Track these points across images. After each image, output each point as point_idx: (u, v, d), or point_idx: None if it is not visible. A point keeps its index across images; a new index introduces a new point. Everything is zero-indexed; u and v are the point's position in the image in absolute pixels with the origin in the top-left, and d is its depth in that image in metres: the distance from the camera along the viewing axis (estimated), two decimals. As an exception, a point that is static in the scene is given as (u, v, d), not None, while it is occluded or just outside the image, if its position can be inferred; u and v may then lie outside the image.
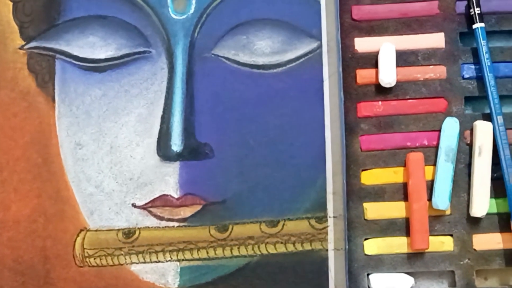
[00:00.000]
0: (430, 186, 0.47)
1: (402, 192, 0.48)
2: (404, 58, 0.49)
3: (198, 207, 0.47)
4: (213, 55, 0.49)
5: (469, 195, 0.47)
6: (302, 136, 0.48)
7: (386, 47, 0.48)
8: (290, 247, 0.47)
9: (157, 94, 0.48)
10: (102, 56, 0.49)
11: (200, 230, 0.47)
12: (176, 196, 0.47)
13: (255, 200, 0.47)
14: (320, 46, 0.49)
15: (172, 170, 0.48)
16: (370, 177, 0.48)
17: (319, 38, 0.49)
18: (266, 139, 0.48)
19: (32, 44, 0.49)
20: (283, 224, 0.47)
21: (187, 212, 0.47)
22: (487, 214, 0.47)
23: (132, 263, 0.47)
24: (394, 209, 0.48)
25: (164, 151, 0.48)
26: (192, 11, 0.49)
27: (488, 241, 0.47)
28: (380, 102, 0.49)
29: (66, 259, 0.47)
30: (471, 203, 0.47)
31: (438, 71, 0.49)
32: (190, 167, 0.48)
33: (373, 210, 0.48)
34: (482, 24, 0.48)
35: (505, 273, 0.48)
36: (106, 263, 0.47)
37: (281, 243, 0.47)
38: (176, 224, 0.47)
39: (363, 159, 0.48)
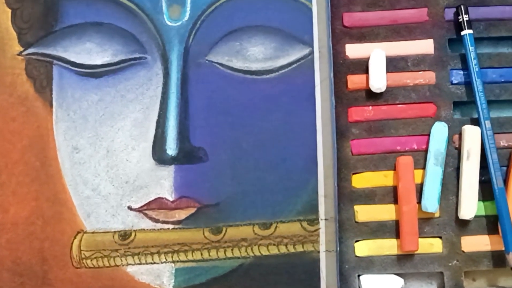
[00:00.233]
0: (420, 189, 0.47)
1: (392, 195, 0.48)
2: (394, 64, 0.49)
3: (193, 210, 0.47)
4: (207, 61, 0.49)
5: (458, 198, 0.47)
6: (294, 140, 0.48)
7: (377, 53, 0.48)
8: (283, 249, 0.47)
9: (153, 99, 0.48)
10: (99, 62, 0.49)
11: (194, 232, 0.47)
12: (171, 199, 0.47)
13: (248, 202, 0.47)
14: (312, 52, 0.49)
15: (167, 174, 0.48)
16: (361, 181, 0.48)
17: (311, 44, 0.49)
18: (259, 143, 0.48)
19: (30, 50, 0.49)
20: (276, 226, 0.47)
21: (181, 214, 0.47)
22: (475, 216, 0.47)
23: (128, 264, 0.47)
24: (384, 212, 0.48)
25: (159, 155, 0.48)
26: (186, 18, 0.49)
27: (476, 243, 0.47)
28: (370, 107, 0.49)
29: (63, 260, 0.47)
30: (459, 206, 0.47)
31: (427, 77, 0.49)
32: (184, 171, 0.48)
33: (364, 213, 0.48)
34: (471, 31, 0.48)
35: (492, 274, 0.48)
36: (102, 265, 0.47)
37: (274, 245, 0.47)
38: (171, 226, 0.47)
39: (354, 163, 0.48)
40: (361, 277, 0.47)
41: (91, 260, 0.47)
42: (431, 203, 0.47)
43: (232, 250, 0.47)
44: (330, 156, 0.48)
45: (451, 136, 0.48)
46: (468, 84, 0.48)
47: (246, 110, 0.48)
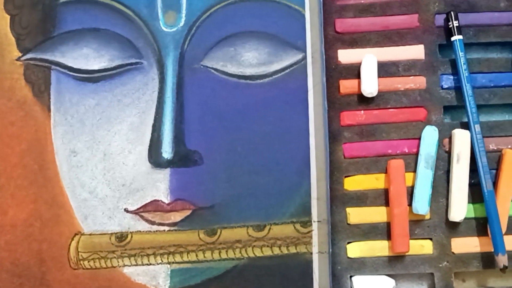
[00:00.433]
0: (410, 192, 0.47)
1: (384, 197, 0.48)
2: (385, 69, 0.49)
3: (188, 212, 0.47)
4: (202, 66, 0.49)
5: (448, 200, 0.47)
6: (287, 144, 0.48)
7: (368, 59, 0.48)
8: (276, 250, 0.47)
9: (149, 104, 0.48)
10: (96, 67, 0.49)
11: (189, 234, 0.47)
12: (166, 202, 0.48)
13: (243, 205, 0.48)
14: (304, 58, 0.49)
15: (163, 177, 0.48)
16: (353, 183, 0.48)
17: (304, 50, 0.49)
18: (253, 146, 0.48)
19: (29, 55, 0.49)
20: (269, 228, 0.47)
21: (177, 216, 0.47)
22: (465, 218, 0.47)
23: (124, 265, 0.47)
24: (375, 214, 0.48)
25: (155, 158, 0.48)
26: (182, 24, 0.49)
27: (466, 244, 0.47)
28: (362, 111, 0.49)
29: (61, 261, 0.47)
30: (449, 208, 0.47)
31: (418, 82, 0.49)
32: (180, 174, 0.48)
33: (356, 215, 0.48)
34: (460, 37, 0.48)
35: (482, 275, 0.48)
36: (99, 266, 0.47)
37: (268, 246, 0.47)
38: (166, 228, 0.47)
39: (346, 166, 0.48)
40: (353, 278, 0.47)
41: (89, 261, 0.47)
42: (421, 205, 0.47)
43: (226, 251, 0.47)
44: (323, 159, 0.48)
45: (441, 139, 0.48)
46: (458, 88, 0.49)
47: (240, 114, 0.48)
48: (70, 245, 0.47)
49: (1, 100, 0.49)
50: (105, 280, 0.47)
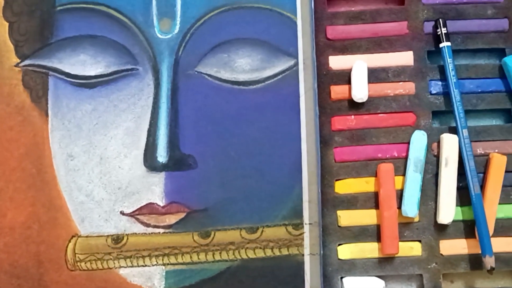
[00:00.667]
0: (400, 195, 0.47)
1: (374, 200, 0.48)
2: (375, 75, 0.49)
3: (182, 215, 0.47)
4: (196, 72, 0.49)
5: (436, 203, 0.47)
6: (279, 148, 0.48)
7: (359, 65, 0.48)
8: (269, 252, 0.47)
9: (144, 109, 0.48)
10: (92, 73, 0.49)
11: (184, 236, 0.47)
12: (161, 205, 0.48)
13: (236, 208, 0.48)
14: (296, 64, 0.49)
15: (158, 180, 0.48)
16: (344, 187, 0.48)
17: (295, 56, 0.49)
18: (246, 150, 0.48)
19: (27, 62, 0.49)
20: (262, 231, 0.47)
21: (172, 219, 0.47)
22: (453, 221, 0.47)
23: (120, 267, 0.47)
24: (366, 217, 0.48)
25: (150, 162, 0.48)
26: (176, 31, 0.49)
27: (454, 246, 0.47)
28: (353, 116, 0.49)
29: (58, 263, 0.47)
30: (438, 211, 0.47)
31: (407, 87, 0.49)
32: (174, 177, 0.48)
33: (346, 218, 0.48)
34: (449, 43, 0.48)
35: (470, 277, 0.48)
36: (96, 267, 0.47)
37: (260, 248, 0.47)
38: (161, 230, 0.47)
39: (337, 170, 0.48)
40: (343, 279, 0.47)
41: (85, 263, 0.47)
42: (411, 208, 0.47)
43: (220, 253, 0.47)
44: (314, 163, 0.48)
45: (430, 144, 0.48)
46: (446, 94, 0.49)
47: (233, 119, 0.48)
48: (67, 247, 0.47)
49: (0, 106, 0.49)
50: (102, 281, 0.47)
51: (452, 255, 0.47)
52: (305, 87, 0.49)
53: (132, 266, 0.47)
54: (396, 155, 0.48)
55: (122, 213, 0.48)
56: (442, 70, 0.49)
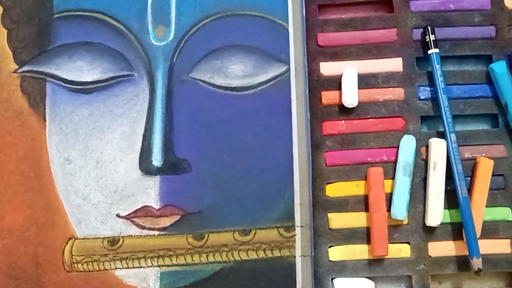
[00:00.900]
0: (389, 198, 0.48)
1: (364, 203, 0.48)
2: (365, 81, 0.49)
3: (177, 217, 0.47)
4: (190, 78, 0.49)
5: (425, 206, 0.48)
6: (272, 152, 0.48)
7: (349, 71, 0.49)
8: (261, 254, 0.47)
9: (139, 114, 0.48)
10: (89, 79, 0.49)
11: (178, 238, 0.47)
12: (156, 207, 0.48)
13: (229, 210, 0.48)
14: (288, 70, 0.49)
15: (153, 183, 0.48)
16: (334, 190, 0.48)
17: (287, 62, 0.49)
18: (239, 154, 0.48)
19: (25, 68, 0.49)
20: (255, 233, 0.47)
21: (166, 221, 0.47)
22: (441, 223, 0.47)
23: (116, 268, 0.47)
24: (356, 219, 0.48)
25: (145, 166, 0.48)
26: (171, 38, 0.49)
27: (442, 248, 0.47)
28: (343, 121, 0.49)
29: (56, 264, 0.47)
30: (426, 214, 0.47)
31: (396, 93, 0.49)
32: (169, 181, 0.48)
33: (337, 220, 0.48)
34: (437, 50, 0.48)
35: (458, 278, 0.48)
36: (92, 269, 0.47)
37: (253, 250, 0.47)
38: (156, 232, 0.47)
39: (328, 173, 0.48)
40: (334, 280, 0.47)
41: (82, 265, 0.47)
42: (400, 211, 0.47)
43: (213, 255, 0.47)
44: (306, 167, 0.48)
45: (418, 148, 0.48)
46: (434, 99, 0.49)
47: (227, 124, 0.48)
48: (64, 248, 0.47)
49: (-1, 111, 0.49)
50: (98, 282, 0.47)
51: (440, 257, 0.47)
52: (297, 93, 0.49)
53: (127, 268, 0.47)
54: (385, 159, 0.48)
55: (118, 215, 0.48)
56: (431, 76, 0.49)
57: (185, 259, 0.47)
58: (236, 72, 0.49)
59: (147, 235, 0.48)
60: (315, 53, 0.50)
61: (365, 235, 0.48)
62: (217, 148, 0.48)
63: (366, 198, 0.48)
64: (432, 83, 0.49)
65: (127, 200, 0.48)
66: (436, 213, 0.47)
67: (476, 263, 0.45)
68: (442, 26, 0.49)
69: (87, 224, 0.48)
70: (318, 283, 0.47)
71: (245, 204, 0.48)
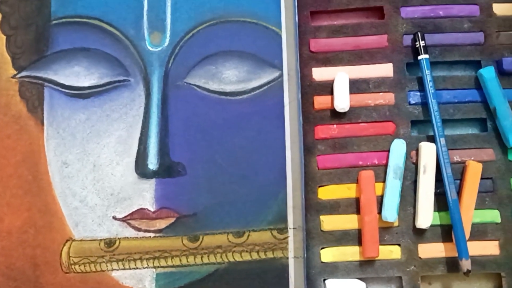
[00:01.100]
0: (380, 201, 0.48)
1: (355, 206, 0.48)
2: (356, 86, 0.49)
3: (172, 220, 0.47)
4: (185, 83, 0.49)
5: (415, 208, 0.48)
6: (265, 156, 0.48)
7: (341, 76, 0.49)
8: (255, 255, 0.47)
9: (135, 118, 0.49)
10: (86, 84, 0.49)
11: (174, 240, 0.47)
12: (152, 210, 0.48)
13: (223, 213, 0.48)
14: (281, 75, 0.49)
15: (149, 186, 0.48)
16: (326, 193, 0.48)
17: (280, 68, 0.49)
18: (233, 158, 0.48)
19: (23, 73, 0.49)
20: (248, 235, 0.47)
21: (162, 224, 0.48)
22: (431, 225, 0.47)
23: (113, 269, 0.47)
24: (347, 221, 0.48)
25: (141, 169, 0.48)
26: (166, 44, 0.49)
27: (432, 250, 0.47)
28: (335, 125, 0.49)
29: (53, 266, 0.47)
30: (416, 216, 0.47)
31: (387, 98, 0.49)
32: (165, 184, 0.48)
33: (329, 222, 0.48)
34: (427, 56, 0.48)
35: (447, 279, 0.48)
36: (89, 270, 0.47)
37: (246, 251, 0.47)
38: (152, 234, 0.48)
39: (320, 177, 0.49)
40: (326, 281, 0.47)
41: (79, 266, 0.47)
42: (390, 213, 0.47)
43: (208, 256, 0.47)
44: (298, 170, 0.48)
45: (409, 152, 0.48)
46: (424, 104, 0.49)
47: (221, 128, 0.48)
48: (62, 250, 0.47)
49: (-2, 115, 0.49)
50: (95, 283, 0.47)
51: (430, 258, 0.47)
52: (290, 98, 0.49)
53: (124, 269, 0.47)
54: (376, 162, 0.49)
55: (114, 218, 0.48)
56: (421, 81, 0.49)
57: (180, 260, 0.47)
58: (230, 77, 0.49)
59: (143, 237, 0.48)
60: (308, 58, 0.50)
61: (356, 237, 0.48)
62: (212, 152, 0.48)
63: (357, 200, 0.48)
64: (422, 88, 0.49)
65: (124, 203, 0.48)
66: (426, 215, 0.47)
67: (465, 264, 0.45)
68: (432, 32, 0.50)
69: (84, 226, 0.48)
70: (311, 284, 0.47)
71: (239, 207, 0.48)
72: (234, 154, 0.48)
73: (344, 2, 0.50)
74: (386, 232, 0.48)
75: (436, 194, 0.47)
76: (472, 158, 0.49)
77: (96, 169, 0.48)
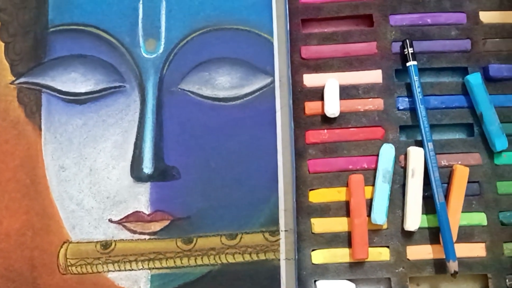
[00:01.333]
0: (369, 204, 0.48)
1: (345, 209, 0.48)
2: (346, 92, 0.49)
3: (167, 222, 0.48)
4: (179, 89, 0.49)
5: (403, 211, 0.48)
6: (257, 160, 0.48)
7: (331, 82, 0.49)
8: (247, 257, 0.47)
9: (131, 123, 0.49)
10: (83, 90, 0.49)
11: (168, 242, 0.48)
12: (147, 213, 0.48)
13: (217, 216, 0.48)
14: (273, 82, 0.49)
15: (144, 190, 0.48)
16: (317, 196, 0.49)
17: (272, 74, 0.49)
18: (226, 162, 0.48)
19: (22, 79, 0.49)
20: (241, 237, 0.48)
21: (157, 226, 0.48)
22: (419, 228, 0.47)
23: (109, 271, 0.47)
24: (338, 224, 0.48)
25: (136, 173, 0.48)
26: (161, 51, 0.49)
27: (420, 251, 0.48)
28: (325, 130, 0.49)
29: (51, 267, 0.47)
30: (405, 219, 0.47)
31: (376, 103, 0.49)
32: (159, 187, 0.48)
33: (320, 225, 0.48)
34: (415, 62, 0.48)
35: (435, 280, 0.48)
36: (86, 271, 0.47)
37: (239, 253, 0.47)
38: (147, 237, 0.48)
39: (311, 180, 0.49)
40: (317, 282, 0.48)
41: (76, 267, 0.47)
42: (379, 216, 0.47)
43: (202, 258, 0.47)
44: (290, 174, 0.48)
45: (397, 156, 0.49)
46: (412, 110, 0.49)
47: (214, 133, 0.49)
48: (59, 252, 0.47)
49: (-4, 121, 0.49)
50: (91, 284, 0.47)
51: (418, 260, 0.48)
52: (281, 103, 0.49)
53: (119, 270, 0.47)
54: (366, 166, 0.49)
55: (110, 220, 0.48)
56: (409, 87, 0.49)
57: (174, 262, 0.48)
58: (223, 83, 0.49)
59: (138, 239, 0.48)
60: (299, 65, 0.50)
61: (346, 239, 0.48)
62: (205, 156, 0.48)
63: (347, 204, 0.48)
64: (410, 94, 0.49)
65: (119, 206, 0.48)
66: (414, 218, 0.47)
67: (453, 266, 0.46)
68: (420, 39, 0.50)
69: (81, 228, 0.48)
70: (302, 285, 0.47)
71: (232, 210, 0.48)
72: (227, 158, 0.48)
73: (334, 10, 0.51)
74: (375, 235, 0.48)
75: (424, 197, 0.48)
76: (459, 162, 0.49)
77: (93, 173, 0.49)
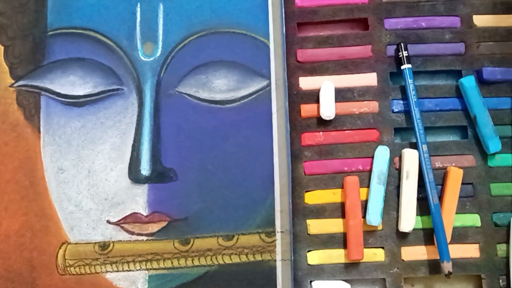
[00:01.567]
0: (364, 205, 0.48)
1: (340, 210, 0.48)
2: (342, 95, 0.49)
3: (164, 223, 0.47)
4: (177, 92, 0.49)
5: (398, 213, 0.48)
6: (253, 162, 0.48)
7: (326, 85, 0.49)
8: (243, 258, 0.47)
9: (129, 126, 0.49)
10: (81, 93, 0.49)
11: (165, 243, 0.47)
12: (145, 214, 0.48)
13: (213, 217, 0.48)
14: (269, 84, 0.49)
15: (142, 192, 0.48)
16: (313, 198, 0.49)
17: (268, 77, 0.49)
18: (223, 164, 0.48)
19: (21, 82, 0.49)
20: (237, 238, 0.47)
21: (154, 227, 0.48)
22: (414, 229, 0.47)
23: (107, 271, 0.47)
24: (333, 225, 0.48)
25: (134, 175, 0.48)
26: (158, 54, 0.49)
27: (415, 252, 0.48)
28: (321, 133, 0.49)
29: (50, 268, 0.47)
30: (399, 220, 0.47)
31: (371, 106, 0.49)
32: (157, 189, 0.48)
33: (315, 226, 0.48)
34: (409, 65, 0.48)
35: (429, 281, 0.48)
36: (84, 272, 0.47)
37: (236, 254, 0.47)
38: (145, 238, 0.48)
39: (307, 182, 0.49)
40: (313, 283, 0.47)
41: (74, 268, 0.47)
42: (374, 217, 0.47)
43: (199, 259, 0.47)
44: (286, 176, 0.48)
45: (392, 158, 0.49)
46: (407, 112, 0.49)
47: (211, 135, 0.48)
48: (58, 253, 0.47)
49: (-4, 123, 0.49)
50: (90, 285, 0.47)
51: (413, 261, 0.48)
52: (277, 106, 0.49)
53: (117, 271, 0.47)
54: (361, 168, 0.49)
55: (108, 222, 0.48)
56: (404, 90, 0.49)
57: (171, 263, 0.47)
58: (220, 86, 0.49)
59: (136, 240, 0.48)
60: (295, 68, 0.50)
61: (341, 240, 0.48)
62: (202, 158, 0.48)
63: (342, 205, 0.48)
64: (405, 96, 0.49)
65: (117, 207, 0.48)
66: (409, 219, 0.47)
67: (447, 266, 0.46)
68: (415, 43, 0.50)
69: (79, 230, 0.48)
70: (298, 285, 0.47)
71: (229, 211, 0.48)
72: (224, 160, 0.48)
73: (329, 13, 0.51)
74: (370, 236, 0.48)
75: (418, 199, 0.48)
76: (453, 164, 0.49)
77: (91, 174, 0.48)
